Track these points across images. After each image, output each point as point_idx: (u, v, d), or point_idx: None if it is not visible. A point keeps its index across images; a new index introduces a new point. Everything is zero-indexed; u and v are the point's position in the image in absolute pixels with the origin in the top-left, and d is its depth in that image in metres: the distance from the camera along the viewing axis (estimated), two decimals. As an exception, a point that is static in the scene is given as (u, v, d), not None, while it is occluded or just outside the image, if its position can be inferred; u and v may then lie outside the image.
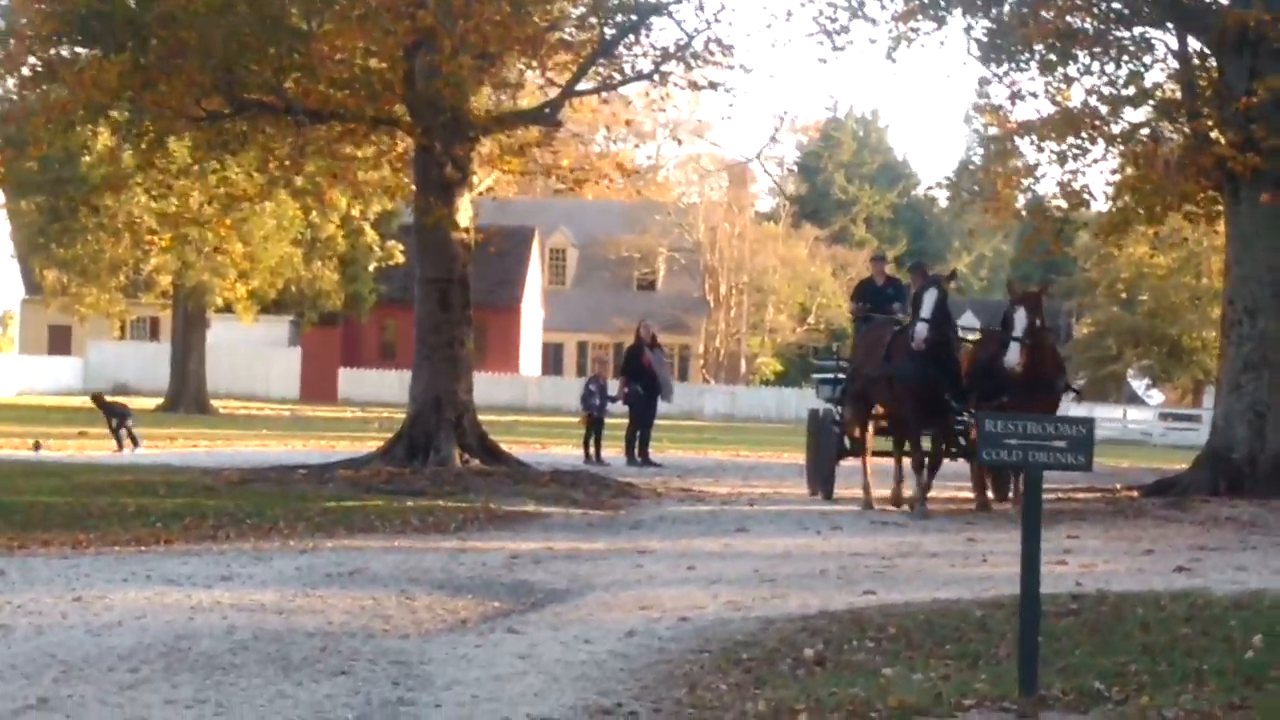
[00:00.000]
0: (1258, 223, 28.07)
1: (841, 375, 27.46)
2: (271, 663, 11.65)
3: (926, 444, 25.26)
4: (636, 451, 34.52)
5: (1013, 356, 23.20)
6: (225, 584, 15.61)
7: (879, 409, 26.02)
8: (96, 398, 35.91)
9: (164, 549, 18.36)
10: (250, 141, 29.76)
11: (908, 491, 24.91)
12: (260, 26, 26.80)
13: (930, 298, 23.77)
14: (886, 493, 25.15)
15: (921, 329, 23.56)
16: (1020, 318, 23.39)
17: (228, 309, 62.61)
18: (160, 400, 61.76)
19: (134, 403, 54.23)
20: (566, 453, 37.07)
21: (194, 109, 28.25)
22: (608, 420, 35.87)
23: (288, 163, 30.01)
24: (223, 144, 29.68)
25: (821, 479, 27.16)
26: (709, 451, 42.30)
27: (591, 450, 34.67)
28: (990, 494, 25.53)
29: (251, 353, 79.15)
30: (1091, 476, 25.95)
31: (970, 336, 26.77)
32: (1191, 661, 11.22)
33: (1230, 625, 12.66)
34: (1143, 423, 74.93)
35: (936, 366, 24.03)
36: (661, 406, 35.67)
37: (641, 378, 34.47)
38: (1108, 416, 67.53)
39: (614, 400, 35.56)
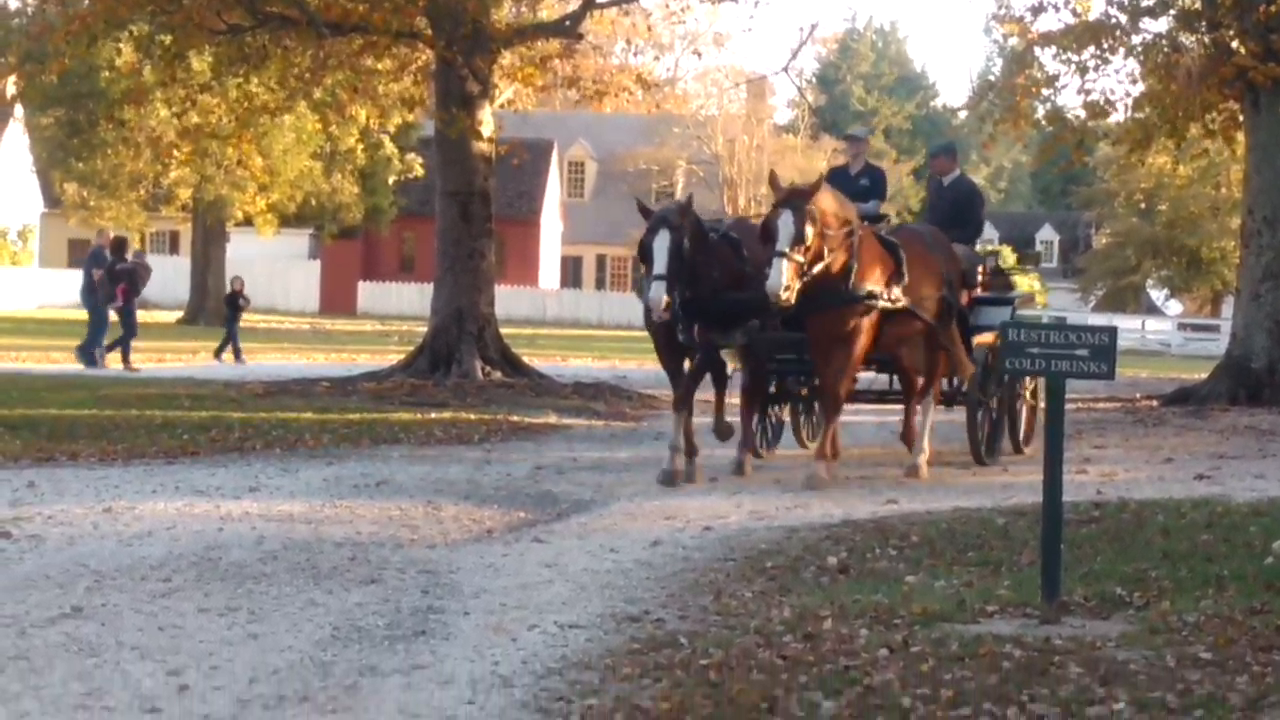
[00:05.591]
0: (1277, 132, 28.04)
1: None
2: (301, 572, 11.74)
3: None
4: None
5: (774, 280, 16.05)
6: (253, 495, 15.71)
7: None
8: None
9: (191, 461, 18.47)
10: (271, 55, 29.72)
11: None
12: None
13: (661, 245, 16.77)
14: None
15: (657, 296, 16.63)
16: (784, 224, 16.21)
17: (247, 222, 62.50)
18: (180, 314, 61.94)
19: (153, 316, 54.66)
20: (586, 365, 37.11)
21: (215, 22, 28.22)
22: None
23: (308, 76, 30.01)
24: (244, 57, 29.63)
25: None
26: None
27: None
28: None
29: (271, 266, 79.06)
30: (1111, 386, 25.95)
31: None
32: (1211, 567, 11.32)
33: (1250, 532, 12.77)
34: (1161, 333, 74.98)
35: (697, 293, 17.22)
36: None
37: None
38: (1126, 327, 67.30)
39: None
